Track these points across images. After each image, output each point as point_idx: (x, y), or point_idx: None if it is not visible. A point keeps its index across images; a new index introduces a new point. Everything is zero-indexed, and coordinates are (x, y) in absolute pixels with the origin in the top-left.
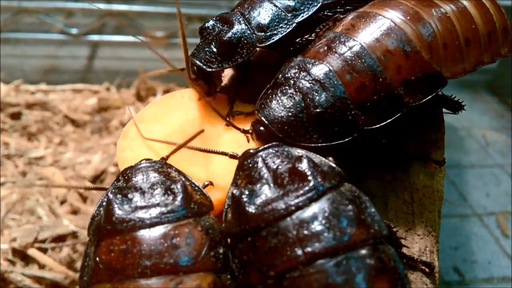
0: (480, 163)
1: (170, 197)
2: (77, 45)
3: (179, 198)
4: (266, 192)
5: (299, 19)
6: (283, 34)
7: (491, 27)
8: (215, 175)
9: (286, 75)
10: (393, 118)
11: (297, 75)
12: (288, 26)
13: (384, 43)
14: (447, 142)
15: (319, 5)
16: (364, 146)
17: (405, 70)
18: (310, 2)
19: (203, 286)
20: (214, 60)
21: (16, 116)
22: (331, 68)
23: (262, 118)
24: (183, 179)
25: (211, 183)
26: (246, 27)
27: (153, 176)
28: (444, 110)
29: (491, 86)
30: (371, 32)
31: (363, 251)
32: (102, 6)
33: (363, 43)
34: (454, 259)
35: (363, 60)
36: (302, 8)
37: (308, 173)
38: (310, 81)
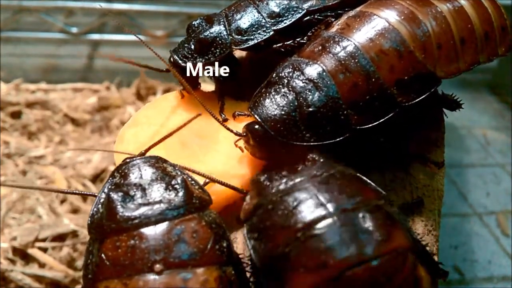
0: (480, 162)
1: (173, 193)
2: (77, 44)
3: (181, 193)
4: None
5: (279, 26)
6: (259, 40)
7: (488, 26)
8: (216, 171)
9: (280, 74)
10: (385, 118)
11: (291, 74)
12: (265, 33)
13: (378, 43)
14: (447, 141)
15: (303, 12)
16: (362, 146)
17: (398, 70)
18: (295, 9)
19: (210, 280)
20: (190, 56)
21: (16, 115)
22: (324, 68)
23: (256, 116)
24: (179, 173)
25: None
26: (224, 28)
27: (151, 172)
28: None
29: (492, 85)
30: (365, 32)
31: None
32: (102, 5)
33: (357, 43)
34: (454, 258)
35: (356, 60)
36: (286, 14)
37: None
38: (303, 81)
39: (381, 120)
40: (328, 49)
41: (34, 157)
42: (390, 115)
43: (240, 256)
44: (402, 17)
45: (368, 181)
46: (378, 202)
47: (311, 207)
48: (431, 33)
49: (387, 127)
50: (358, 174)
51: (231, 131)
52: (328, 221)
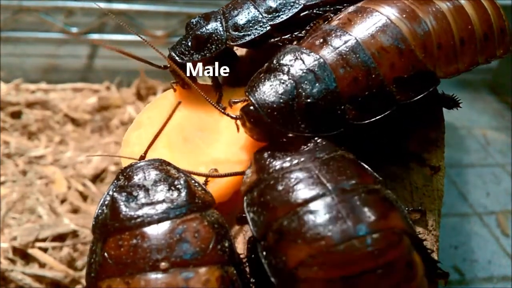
0: (480, 162)
1: (175, 193)
2: (77, 44)
3: (183, 193)
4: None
5: (276, 21)
6: (255, 36)
7: (487, 27)
8: (219, 160)
9: (281, 61)
10: (382, 115)
11: (292, 62)
12: (262, 29)
13: (379, 40)
14: (447, 141)
15: (300, 7)
16: (360, 145)
17: (399, 68)
18: (292, 4)
19: (211, 280)
20: (187, 53)
21: (16, 115)
22: (325, 60)
23: (252, 100)
24: (182, 174)
25: (215, 170)
26: (220, 24)
27: (154, 174)
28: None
29: (492, 85)
30: (366, 28)
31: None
32: (102, 5)
33: (358, 38)
34: (454, 258)
35: (357, 55)
36: (283, 9)
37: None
38: (304, 70)
39: (378, 117)
40: (329, 42)
41: (34, 157)
42: (387, 112)
43: (241, 256)
44: (404, 15)
45: (366, 166)
46: (375, 186)
47: (311, 185)
48: (431, 32)
49: (385, 125)
50: (357, 159)
51: (228, 115)
52: (327, 198)
